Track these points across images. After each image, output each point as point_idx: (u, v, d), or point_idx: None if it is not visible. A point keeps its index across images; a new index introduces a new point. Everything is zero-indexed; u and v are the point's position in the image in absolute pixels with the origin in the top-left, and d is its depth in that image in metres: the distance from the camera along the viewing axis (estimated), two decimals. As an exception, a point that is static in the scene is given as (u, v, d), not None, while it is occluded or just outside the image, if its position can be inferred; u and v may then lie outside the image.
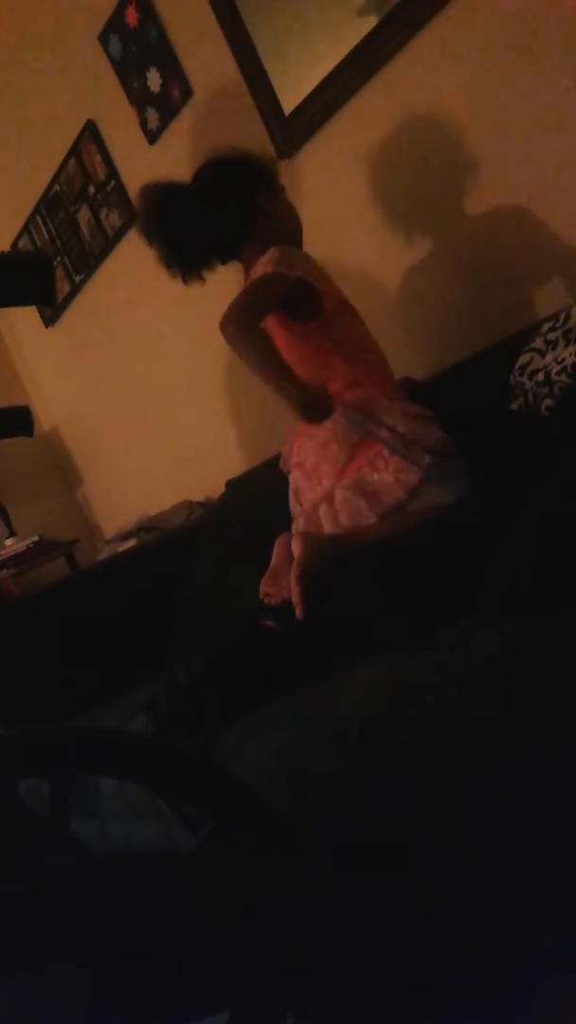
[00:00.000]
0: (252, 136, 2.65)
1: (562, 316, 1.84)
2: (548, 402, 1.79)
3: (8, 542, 3.88)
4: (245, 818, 1.09)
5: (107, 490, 4.21)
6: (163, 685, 1.66)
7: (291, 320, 1.99)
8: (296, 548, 1.75)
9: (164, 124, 3.02)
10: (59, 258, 3.79)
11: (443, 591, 1.39)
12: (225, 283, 2.20)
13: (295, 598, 1.68)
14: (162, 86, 2.96)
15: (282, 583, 1.85)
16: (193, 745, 1.46)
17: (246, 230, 2.07)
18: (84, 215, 3.57)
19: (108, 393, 3.92)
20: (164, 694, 1.63)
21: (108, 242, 3.49)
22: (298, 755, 1.24)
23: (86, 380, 4.06)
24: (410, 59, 2.23)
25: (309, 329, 1.98)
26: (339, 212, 2.53)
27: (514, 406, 1.86)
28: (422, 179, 2.32)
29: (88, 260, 3.65)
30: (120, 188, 3.33)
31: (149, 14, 2.91)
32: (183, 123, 2.96)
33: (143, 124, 3.09)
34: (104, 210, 3.46)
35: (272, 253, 1.97)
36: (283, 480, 2.09)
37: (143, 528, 3.47)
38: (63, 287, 3.83)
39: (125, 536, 3.53)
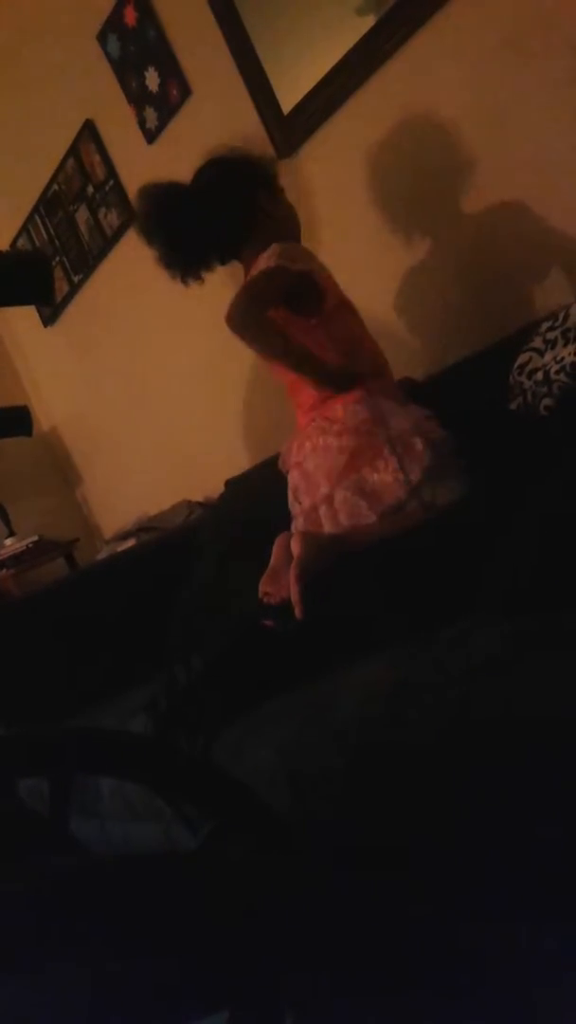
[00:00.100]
0: (251, 136, 2.64)
1: (561, 315, 1.84)
2: (547, 401, 1.79)
3: (7, 542, 3.88)
4: (244, 818, 1.09)
5: (106, 490, 4.21)
6: (163, 685, 1.66)
7: (292, 315, 1.99)
8: (295, 547, 1.75)
9: (163, 124, 3.02)
10: (58, 258, 3.79)
11: (443, 591, 1.39)
12: (224, 284, 2.20)
13: (294, 597, 1.68)
14: (160, 85, 2.96)
15: (281, 582, 1.85)
16: (193, 745, 1.46)
17: (246, 230, 2.07)
18: (83, 215, 3.57)
19: (107, 393, 3.92)
20: (164, 694, 1.63)
21: (107, 242, 3.49)
22: (298, 755, 1.24)
23: (85, 380, 4.06)
24: (409, 58, 2.23)
25: (309, 325, 1.98)
26: (338, 212, 2.53)
27: (513, 405, 1.86)
28: (421, 178, 2.32)
29: (87, 260, 3.65)
30: (119, 188, 3.33)
31: (147, 14, 2.91)
32: (182, 123, 2.96)
33: (142, 123, 3.09)
34: (103, 210, 3.46)
35: (274, 248, 1.97)
36: (282, 480, 2.09)
37: (142, 528, 3.47)
38: (62, 287, 3.83)
39: (124, 536, 3.53)
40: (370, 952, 0.66)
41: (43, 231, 3.86)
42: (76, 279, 3.76)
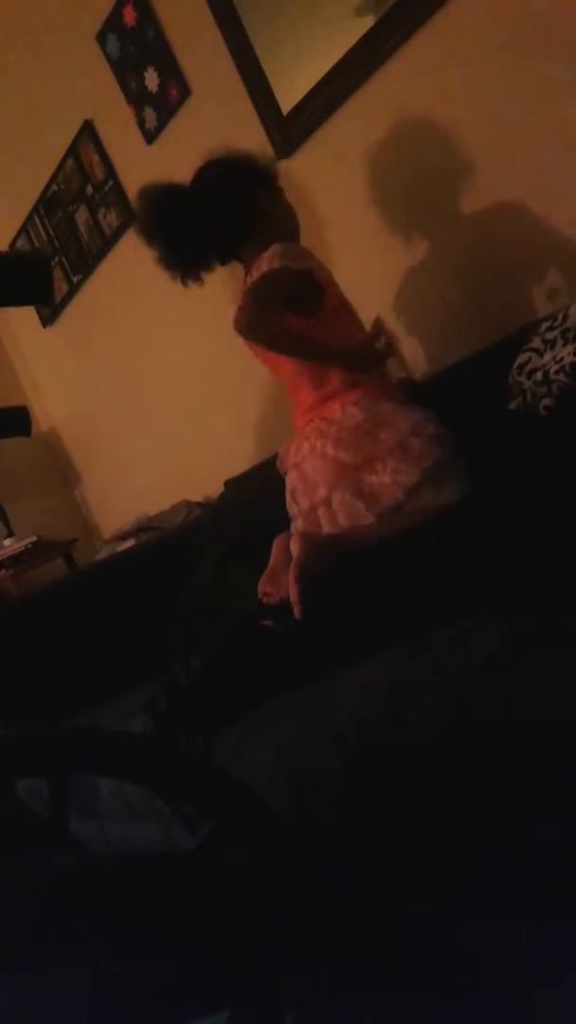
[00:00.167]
0: (250, 136, 2.64)
1: (560, 315, 1.84)
2: (546, 401, 1.79)
3: (7, 542, 3.88)
4: (244, 818, 1.09)
5: (106, 490, 4.20)
6: (162, 685, 1.66)
7: (292, 315, 1.99)
8: (295, 548, 1.75)
9: (162, 124, 3.02)
10: (57, 258, 3.79)
11: (442, 591, 1.39)
12: (223, 284, 2.20)
13: (293, 597, 1.68)
14: (160, 86, 2.96)
15: (281, 583, 1.85)
16: (192, 745, 1.46)
17: (246, 230, 2.07)
18: (82, 215, 3.57)
19: (106, 393, 3.92)
20: (163, 694, 1.63)
21: (106, 242, 3.49)
22: (297, 755, 1.24)
23: (84, 380, 4.06)
24: (408, 59, 2.23)
25: (309, 325, 1.98)
26: (337, 212, 2.53)
27: (512, 405, 1.86)
28: (421, 179, 2.32)
29: (86, 260, 3.65)
30: (118, 188, 3.33)
31: (147, 14, 2.91)
32: (181, 123, 2.96)
33: (141, 124, 3.09)
34: (102, 210, 3.46)
35: (275, 248, 1.97)
36: (282, 480, 2.09)
37: (142, 528, 3.47)
38: (61, 287, 3.83)
39: (124, 536, 3.53)
40: (370, 952, 0.66)
41: (42, 231, 3.86)
42: (75, 279, 3.76)
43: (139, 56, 2.99)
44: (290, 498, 2.04)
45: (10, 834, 1.16)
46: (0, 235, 4.09)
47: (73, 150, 3.48)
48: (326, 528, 1.89)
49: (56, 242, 3.79)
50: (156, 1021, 0.67)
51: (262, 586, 1.94)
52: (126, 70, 3.07)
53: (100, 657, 2.43)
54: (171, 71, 2.90)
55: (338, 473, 1.89)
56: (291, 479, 2.04)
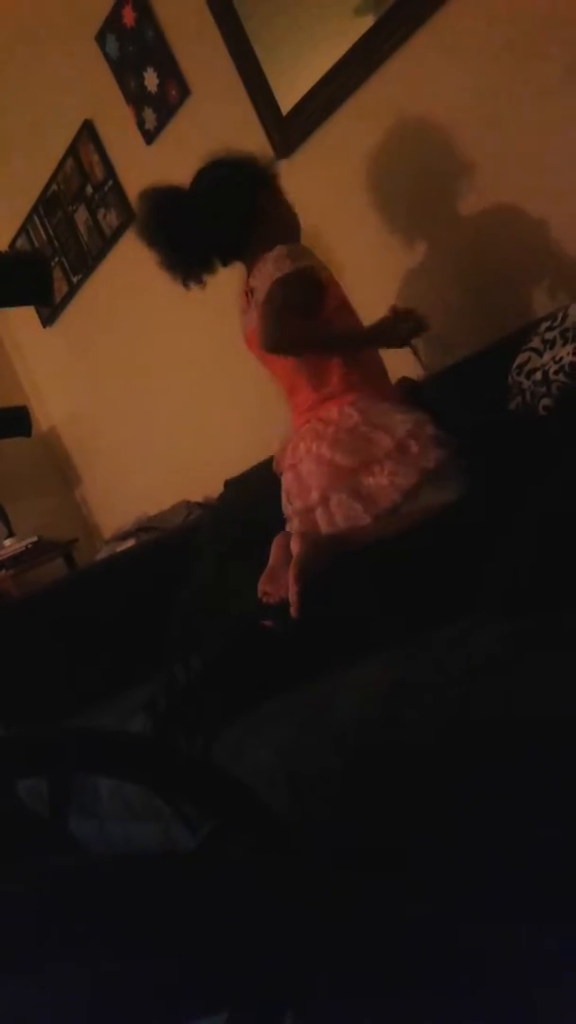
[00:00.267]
0: (250, 136, 2.65)
1: (559, 315, 1.84)
2: (546, 401, 1.79)
3: (7, 542, 3.88)
4: (244, 818, 1.09)
5: (106, 490, 4.20)
6: (162, 685, 1.66)
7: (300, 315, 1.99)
8: (295, 547, 1.75)
9: (162, 124, 3.02)
10: (57, 258, 3.79)
11: (442, 591, 1.39)
12: (224, 284, 2.20)
13: (292, 596, 1.68)
14: (159, 86, 2.96)
15: (280, 582, 1.85)
16: (192, 745, 1.46)
17: (248, 231, 2.07)
18: (82, 215, 3.57)
19: (106, 393, 3.92)
20: (163, 694, 1.63)
21: (106, 242, 3.49)
22: (297, 755, 1.24)
23: (84, 380, 4.06)
24: (408, 58, 2.23)
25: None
26: (337, 212, 2.53)
27: (512, 405, 1.86)
28: (420, 179, 2.33)
29: (86, 260, 3.65)
30: (118, 188, 3.33)
31: (146, 14, 2.91)
32: (180, 123, 2.96)
33: (140, 124, 3.09)
34: (102, 210, 3.46)
35: (280, 250, 1.97)
36: (280, 481, 2.09)
37: (142, 528, 3.47)
38: (61, 287, 3.83)
39: (124, 536, 3.53)
40: (369, 952, 0.66)
41: (42, 231, 3.86)
42: (75, 279, 3.76)
43: (138, 56, 2.99)
44: (285, 499, 2.04)
45: (10, 834, 1.16)
46: (0, 235, 4.09)
47: (73, 150, 3.48)
48: (324, 528, 1.89)
49: (56, 242, 3.79)
50: (155, 1021, 0.67)
51: (262, 586, 1.94)
52: (125, 70, 3.07)
53: (100, 657, 2.43)
54: (170, 71, 2.90)
55: (334, 475, 1.89)
56: (287, 480, 2.03)
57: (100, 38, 3.10)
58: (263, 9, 2.53)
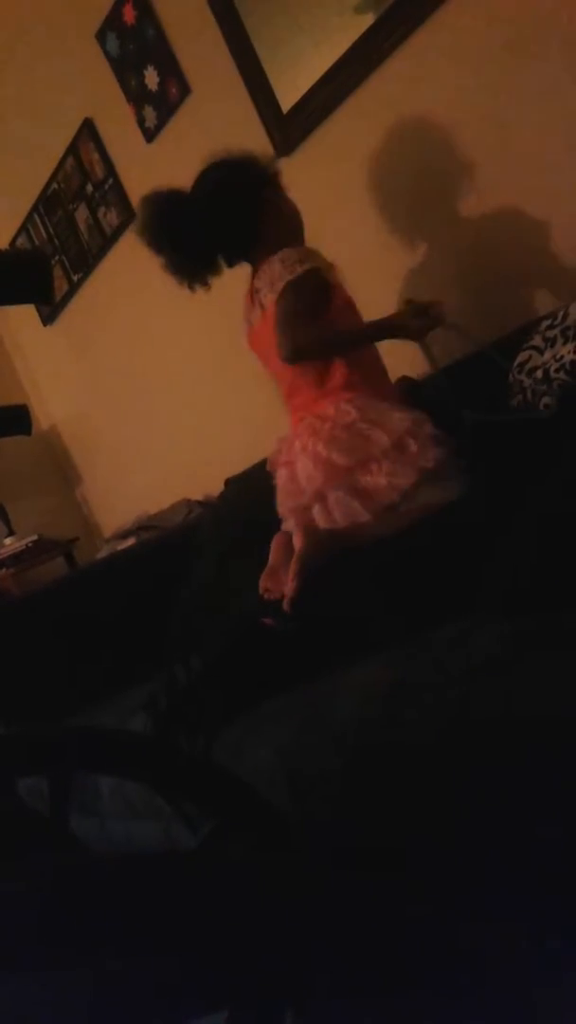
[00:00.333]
0: (250, 134, 2.64)
1: (560, 314, 1.85)
2: (546, 399, 1.79)
3: (7, 541, 3.88)
4: (245, 816, 1.09)
5: (106, 489, 4.20)
6: (162, 684, 1.66)
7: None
8: (297, 541, 1.75)
9: (162, 122, 3.02)
10: (57, 256, 3.79)
11: (442, 591, 1.39)
12: (224, 283, 2.20)
13: (289, 591, 1.68)
14: (160, 84, 2.96)
15: (281, 580, 1.85)
16: (193, 744, 1.46)
17: (252, 230, 2.07)
18: (82, 213, 3.57)
19: (107, 391, 3.92)
20: (163, 693, 1.63)
21: (106, 240, 3.49)
22: (297, 755, 1.24)
23: (84, 379, 4.06)
24: (408, 57, 2.23)
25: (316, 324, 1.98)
26: (337, 210, 2.52)
27: (513, 403, 1.86)
28: (420, 178, 2.32)
29: (86, 259, 3.65)
30: (118, 186, 3.33)
31: (146, 12, 2.91)
32: (181, 121, 2.96)
33: (141, 122, 3.09)
34: (102, 208, 3.46)
35: (286, 253, 1.97)
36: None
37: (142, 527, 3.47)
38: (61, 286, 3.83)
39: (124, 535, 3.53)
40: (370, 952, 0.66)
41: (42, 230, 3.86)
42: (75, 278, 3.76)
43: (139, 54, 2.99)
44: (280, 497, 2.03)
45: (11, 832, 1.17)
46: (0, 233, 4.08)
47: (73, 148, 3.48)
48: (322, 526, 1.89)
49: (56, 241, 3.79)
50: (156, 1019, 0.67)
51: (263, 584, 1.93)
52: (126, 68, 3.07)
53: (101, 656, 2.43)
54: (171, 69, 2.90)
55: (331, 473, 1.87)
56: (281, 477, 2.03)
57: (100, 36, 3.10)
58: (263, 7, 2.53)
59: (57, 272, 3.77)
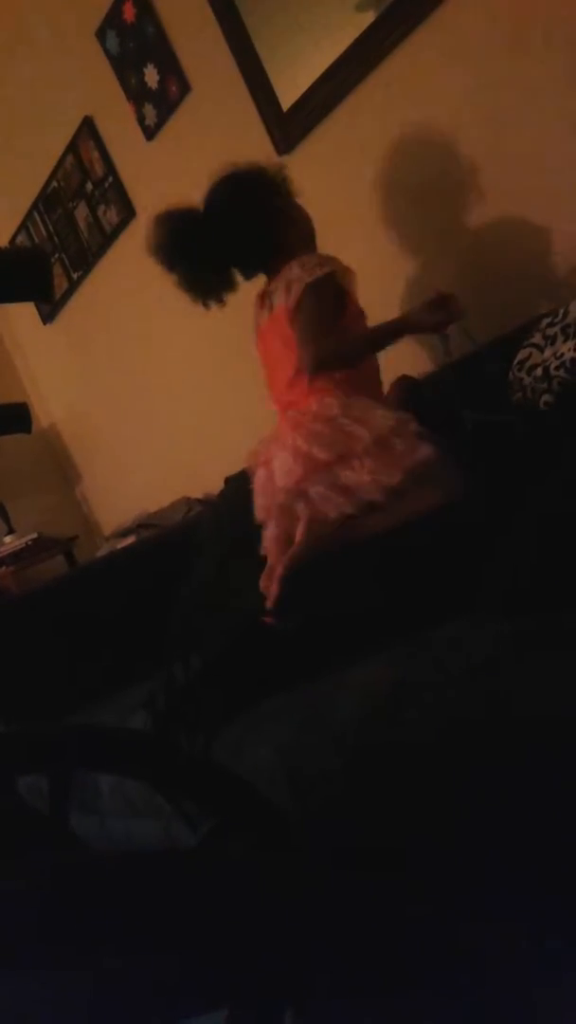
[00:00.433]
0: (250, 132, 2.64)
1: (561, 312, 1.84)
2: (546, 397, 1.79)
3: (7, 539, 3.88)
4: (245, 815, 1.09)
5: (106, 487, 4.20)
6: (162, 683, 1.66)
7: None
8: (299, 534, 1.73)
9: (162, 120, 3.01)
10: (57, 255, 3.79)
11: (442, 590, 1.39)
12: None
13: (272, 592, 1.67)
14: (160, 82, 2.96)
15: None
16: (192, 743, 1.46)
17: (268, 240, 2.06)
18: (82, 211, 3.57)
19: (107, 390, 3.92)
20: (163, 692, 1.63)
21: (106, 239, 3.49)
22: (297, 754, 1.24)
23: (84, 377, 4.06)
24: (408, 55, 2.23)
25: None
26: (337, 209, 2.52)
27: (512, 401, 1.86)
28: (420, 176, 2.32)
29: (86, 257, 3.65)
30: (118, 184, 3.33)
31: (146, 10, 2.91)
32: (181, 119, 2.96)
33: (141, 120, 3.09)
34: (102, 206, 3.46)
35: (304, 259, 1.97)
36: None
37: (142, 525, 3.47)
38: (61, 284, 3.83)
39: (124, 533, 3.53)
40: (369, 951, 0.66)
41: (42, 228, 3.85)
42: (75, 276, 3.76)
43: (139, 52, 2.99)
44: (256, 500, 1.98)
45: (11, 831, 1.17)
46: (0, 231, 4.08)
47: (73, 146, 3.47)
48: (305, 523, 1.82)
49: (56, 239, 3.78)
50: (156, 1018, 0.67)
51: (263, 583, 1.93)
52: (126, 66, 3.06)
53: (100, 654, 2.43)
54: (171, 67, 2.90)
55: (309, 467, 1.83)
56: (259, 478, 1.97)
57: (100, 34, 3.10)
58: (264, 6, 2.52)
59: (57, 270, 3.77)
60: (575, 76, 1.94)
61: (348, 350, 1.97)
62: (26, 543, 3.81)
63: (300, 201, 2.13)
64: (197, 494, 3.41)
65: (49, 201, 3.75)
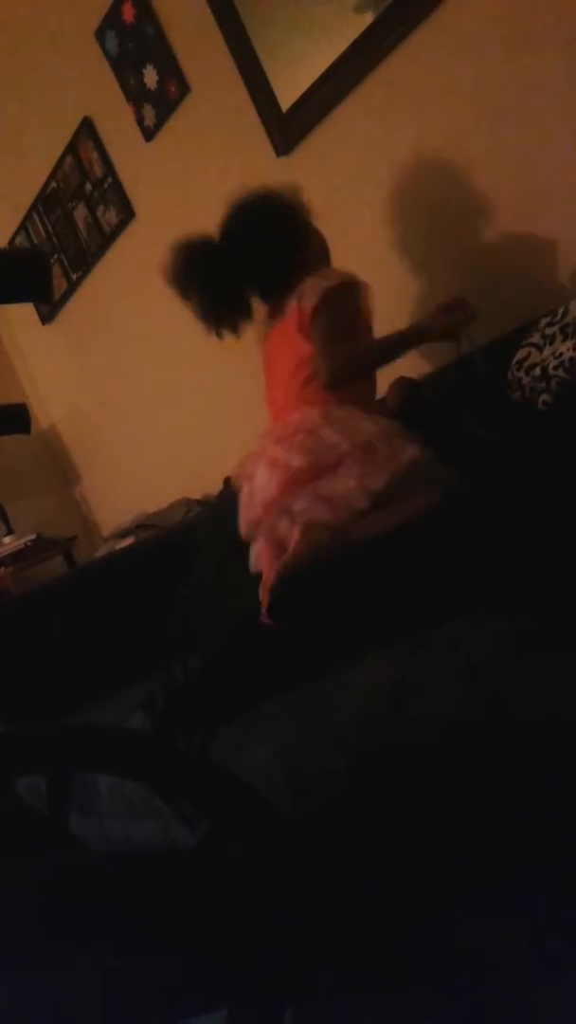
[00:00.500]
0: (250, 133, 2.65)
1: (560, 311, 1.85)
2: (545, 397, 1.79)
3: (6, 540, 3.88)
4: (244, 815, 1.09)
5: (105, 487, 4.20)
6: (160, 683, 1.66)
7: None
8: (294, 541, 1.73)
9: (161, 121, 3.01)
10: (56, 255, 3.79)
11: (442, 590, 1.39)
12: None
13: (265, 601, 1.66)
14: (159, 83, 2.96)
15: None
16: (191, 744, 1.46)
17: (288, 265, 2.04)
18: (81, 212, 3.57)
19: (106, 390, 3.92)
20: (161, 692, 1.63)
21: (105, 239, 3.49)
22: (296, 754, 1.24)
23: (83, 377, 4.06)
24: (407, 56, 2.23)
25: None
26: (336, 209, 2.52)
27: (511, 400, 1.86)
28: (420, 176, 2.32)
29: (85, 257, 3.65)
30: (117, 185, 3.33)
31: (146, 11, 2.91)
32: (180, 120, 2.96)
33: (140, 121, 3.09)
34: (101, 207, 3.45)
35: (324, 271, 1.98)
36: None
37: (141, 525, 3.47)
38: (60, 284, 3.82)
39: (123, 533, 3.52)
40: (369, 951, 0.66)
41: (41, 229, 3.85)
42: (74, 277, 3.76)
43: (138, 53, 2.99)
44: (240, 514, 1.96)
45: (10, 831, 1.16)
46: (-1, 232, 4.09)
47: (72, 147, 3.47)
48: (289, 541, 1.79)
49: (55, 239, 3.78)
50: (156, 1017, 0.67)
51: (262, 592, 1.92)
52: (125, 67, 3.06)
53: (99, 654, 2.43)
54: (170, 68, 2.90)
55: (289, 480, 1.80)
56: (244, 493, 1.95)
57: (100, 35, 3.10)
58: (263, 6, 2.52)
59: (56, 271, 3.77)
60: (575, 76, 1.94)
61: (367, 357, 1.98)
62: (25, 544, 3.81)
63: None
64: (196, 495, 3.41)
65: (48, 202, 3.74)
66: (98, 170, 3.40)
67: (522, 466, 1.57)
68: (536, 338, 1.87)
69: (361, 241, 2.48)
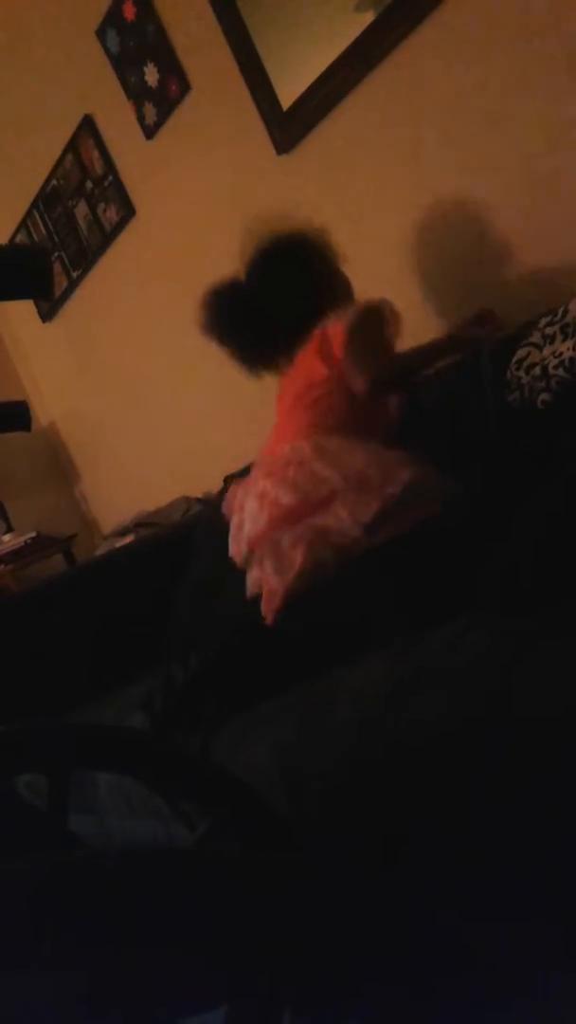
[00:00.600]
0: (250, 131, 2.64)
1: (560, 311, 1.84)
2: (544, 396, 1.79)
3: (6, 538, 3.88)
4: (243, 815, 1.09)
5: (105, 486, 4.20)
6: (160, 683, 1.66)
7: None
8: (297, 558, 1.70)
9: (162, 119, 3.01)
10: (57, 253, 3.79)
11: (442, 591, 1.39)
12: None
13: (272, 605, 1.66)
14: (160, 81, 2.95)
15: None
16: (190, 743, 1.46)
17: (316, 309, 2.04)
18: (82, 210, 3.57)
19: (106, 388, 3.92)
20: (161, 691, 1.63)
21: (105, 237, 3.49)
22: (295, 753, 1.24)
23: (84, 375, 4.06)
24: (408, 55, 2.23)
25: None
26: (336, 209, 2.52)
27: (510, 400, 1.86)
28: (419, 175, 2.32)
29: (86, 255, 3.65)
30: (118, 183, 3.33)
31: (147, 9, 2.91)
32: (181, 118, 2.95)
33: (141, 119, 3.08)
34: (102, 205, 3.45)
35: (350, 309, 1.98)
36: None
37: (141, 524, 3.47)
38: (61, 282, 3.82)
39: (123, 532, 3.52)
40: (368, 950, 0.66)
41: (42, 226, 3.85)
42: (75, 274, 3.76)
43: (139, 51, 2.99)
44: (231, 545, 1.94)
45: (9, 829, 1.16)
46: (0, 230, 4.08)
47: (72, 145, 3.47)
48: (278, 573, 1.75)
49: (55, 237, 3.78)
50: (155, 1015, 0.67)
51: (264, 605, 1.91)
52: (126, 65, 3.06)
53: (99, 652, 2.44)
54: (171, 66, 2.90)
55: (275, 515, 1.77)
56: (233, 524, 1.93)
57: (100, 33, 3.10)
58: (264, 5, 2.52)
59: (56, 268, 3.77)
60: (574, 75, 1.93)
61: (404, 366, 1.98)
62: (25, 541, 3.81)
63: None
64: (196, 493, 3.41)
65: (49, 199, 3.74)
66: (99, 168, 3.39)
67: (522, 466, 1.57)
68: (536, 337, 1.87)
69: (361, 240, 2.48)
